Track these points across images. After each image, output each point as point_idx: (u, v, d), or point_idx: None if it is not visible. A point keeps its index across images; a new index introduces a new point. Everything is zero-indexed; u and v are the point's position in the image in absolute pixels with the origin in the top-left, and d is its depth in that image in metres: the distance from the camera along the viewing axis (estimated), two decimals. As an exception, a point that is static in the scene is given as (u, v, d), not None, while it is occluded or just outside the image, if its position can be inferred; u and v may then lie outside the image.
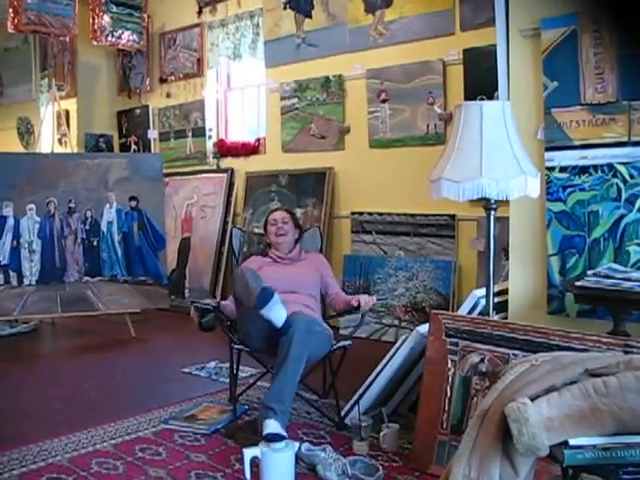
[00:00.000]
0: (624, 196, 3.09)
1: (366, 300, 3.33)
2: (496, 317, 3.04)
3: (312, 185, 5.69)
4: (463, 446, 1.94)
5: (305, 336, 2.99)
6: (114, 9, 6.58)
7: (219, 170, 6.59)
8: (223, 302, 3.52)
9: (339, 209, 5.64)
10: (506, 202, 3.08)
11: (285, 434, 2.77)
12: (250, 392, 3.60)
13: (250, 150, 6.37)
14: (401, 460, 2.86)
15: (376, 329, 5.10)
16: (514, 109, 2.93)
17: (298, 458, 2.71)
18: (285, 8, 5.84)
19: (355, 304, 3.33)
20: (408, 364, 3.16)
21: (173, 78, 7.04)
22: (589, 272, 2.99)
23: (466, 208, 4.54)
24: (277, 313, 2.99)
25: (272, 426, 2.78)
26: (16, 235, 5.11)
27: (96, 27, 6.47)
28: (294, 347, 2.93)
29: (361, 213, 5.42)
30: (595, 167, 3.15)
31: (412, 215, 5.10)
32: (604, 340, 2.42)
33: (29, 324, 5.62)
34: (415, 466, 2.76)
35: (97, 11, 6.44)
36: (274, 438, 2.70)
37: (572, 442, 1.77)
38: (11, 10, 5.89)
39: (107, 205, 5.31)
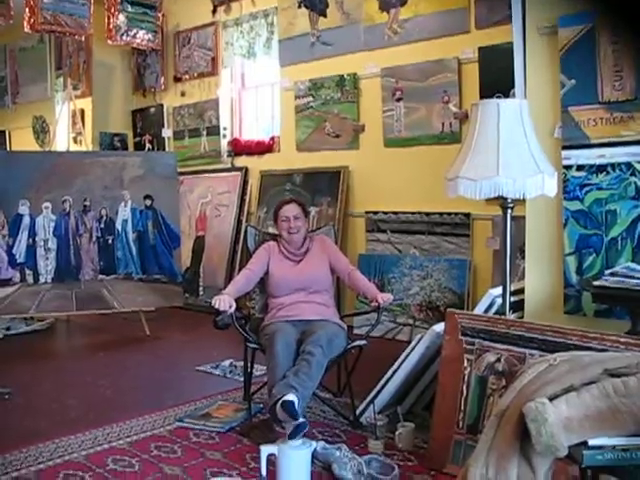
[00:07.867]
0: (642, 195, 3.06)
1: (384, 299, 3.32)
2: (512, 316, 3.02)
3: (326, 184, 5.69)
4: (480, 446, 1.94)
5: (327, 349, 3.08)
6: (129, 8, 6.59)
7: (233, 169, 6.60)
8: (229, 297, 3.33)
9: (354, 208, 5.63)
10: (522, 201, 3.06)
11: (304, 420, 2.76)
12: (265, 391, 3.59)
13: (264, 149, 6.36)
14: (417, 459, 2.85)
15: (390, 328, 5.08)
16: (531, 107, 2.91)
17: (313, 457, 2.69)
18: (300, 6, 5.83)
19: (375, 304, 3.33)
20: (424, 363, 3.15)
21: (187, 77, 7.05)
22: (607, 271, 2.96)
23: (481, 207, 4.52)
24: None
25: (292, 397, 2.79)
26: (32, 233, 5.14)
27: (111, 26, 6.48)
28: (318, 358, 3.00)
29: (376, 212, 5.41)
30: (613, 165, 3.12)
31: (427, 214, 5.09)
32: (622, 340, 2.40)
33: (44, 322, 5.65)
34: (431, 465, 2.75)
35: (112, 10, 6.46)
36: (291, 408, 2.72)
37: (591, 442, 1.75)
38: (27, 10, 5.93)
39: (122, 203, 5.33)
